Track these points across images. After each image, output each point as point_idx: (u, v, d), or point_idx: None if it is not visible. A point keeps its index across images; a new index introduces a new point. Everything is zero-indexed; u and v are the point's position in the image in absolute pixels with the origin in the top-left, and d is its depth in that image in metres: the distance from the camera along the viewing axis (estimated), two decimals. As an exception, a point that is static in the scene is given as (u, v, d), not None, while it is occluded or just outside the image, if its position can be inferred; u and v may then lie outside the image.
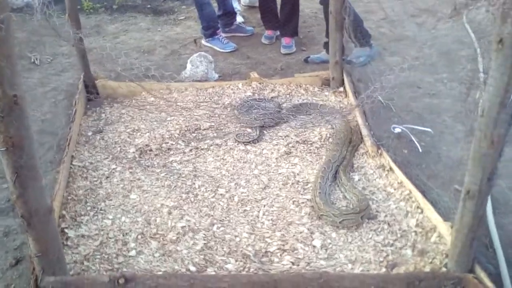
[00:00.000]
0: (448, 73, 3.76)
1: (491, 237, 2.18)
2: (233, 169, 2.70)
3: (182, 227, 2.26)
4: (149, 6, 5.62)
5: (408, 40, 4.36)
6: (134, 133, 3.05)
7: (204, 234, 2.22)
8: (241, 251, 2.13)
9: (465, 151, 2.66)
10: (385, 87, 2.32)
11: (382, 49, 4.18)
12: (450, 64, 3.90)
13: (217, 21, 4.28)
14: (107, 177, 2.67)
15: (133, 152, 2.86)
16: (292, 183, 2.55)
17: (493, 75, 1.47)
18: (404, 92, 3.54)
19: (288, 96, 3.43)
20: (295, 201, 2.42)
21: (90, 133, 3.08)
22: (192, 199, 2.47)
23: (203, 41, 4.38)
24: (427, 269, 1.98)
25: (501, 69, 1.44)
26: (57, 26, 2.95)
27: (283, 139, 2.95)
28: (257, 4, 4.96)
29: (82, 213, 2.37)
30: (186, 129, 3.06)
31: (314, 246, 2.14)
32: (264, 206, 2.40)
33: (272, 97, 3.40)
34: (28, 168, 1.61)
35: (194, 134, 3.03)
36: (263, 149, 2.85)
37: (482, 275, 1.87)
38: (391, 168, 2.56)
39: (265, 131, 3.05)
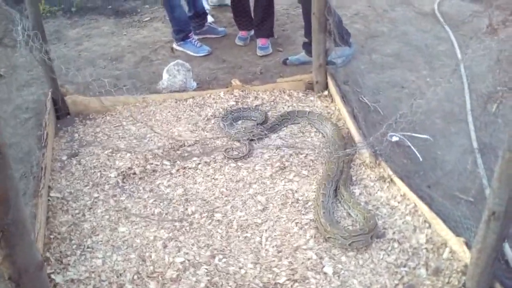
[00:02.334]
0: (429, 70, 3.71)
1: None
2: (226, 189, 2.53)
3: (181, 262, 2.09)
4: (110, 7, 5.30)
5: (384, 36, 4.29)
6: (114, 154, 2.83)
7: (206, 269, 2.06)
8: (249, 284, 1.99)
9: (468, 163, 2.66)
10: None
11: (360, 46, 4.09)
12: (429, 60, 3.85)
13: (189, 24, 4.06)
14: (90, 208, 2.45)
15: (115, 177, 2.64)
16: (292, 202, 2.41)
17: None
18: (389, 92, 3.47)
19: (272, 103, 3.28)
20: (298, 222, 2.29)
21: (64, 157, 2.83)
22: (188, 227, 2.29)
23: (175, 45, 4.15)
24: (446, 290, 1.91)
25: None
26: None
27: (275, 152, 2.80)
28: (226, 3, 4.79)
29: (68, 253, 2.16)
30: (170, 146, 2.86)
31: (326, 273, 2.02)
32: (266, 230, 2.26)
33: (256, 106, 3.24)
34: (16, 224, 1.40)
35: (179, 152, 2.84)
36: (255, 165, 2.70)
37: (503, 293, 1.82)
38: (391, 180, 2.47)
39: (254, 144, 2.89)
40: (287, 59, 3.89)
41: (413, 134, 2.64)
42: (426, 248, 2.11)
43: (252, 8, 4.11)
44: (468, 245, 1.99)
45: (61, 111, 3.16)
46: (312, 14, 3.11)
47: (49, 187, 2.58)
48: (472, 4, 4.90)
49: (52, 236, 2.24)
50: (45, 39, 2.97)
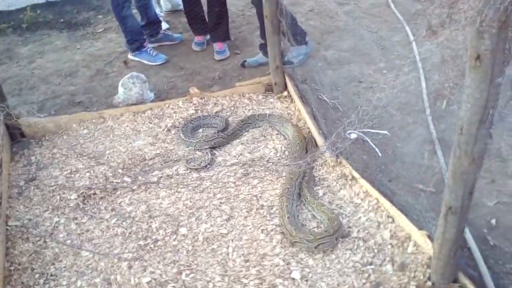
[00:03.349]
0: (385, 62, 3.75)
1: (464, 236, 2.17)
2: (190, 202, 2.50)
3: (148, 282, 2.05)
4: (62, 20, 5.17)
5: (339, 31, 4.31)
6: (72, 175, 2.76)
7: (174, 286, 2.03)
8: (218, 298, 1.97)
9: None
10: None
11: (316, 43, 4.10)
12: (385, 53, 3.90)
13: (142, 33, 3.99)
14: (51, 234, 2.38)
15: (75, 199, 2.58)
16: (257, 209, 2.40)
17: (470, 92, 1.40)
18: (347, 88, 3.49)
19: (233, 108, 3.26)
20: (263, 229, 2.28)
21: (22, 183, 2.75)
22: (152, 245, 2.25)
23: (130, 56, 4.08)
24: (412, 284, 1.93)
25: (480, 86, 1.37)
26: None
27: (237, 158, 2.78)
28: (180, 8, 4.72)
29: (31, 283, 2.10)
30: (130, 162, 2.81)
31: (294, 279, 2.01)
32: (232, 240, 2.24)
33: (216, 112, 3.21)
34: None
35: (139, 167, 2.79)
36: (218, 173, 2.67)
37: (467, 282, 1.85)
38: (353, 177, 2.49)
39: (216, 152, 2.87)
40: (245, 61, 3.87)
41: (371, 130, 2.66)
42: (391, 244, 2.13)
43: (206, 13, 4.08)
44: (431, 238, 2.01)
45: (16, 135, 3.06)
46: (264, 17, 3.10)
47: (6, 215, 2.50)
48: (423, -7, 4.99)
49: (12, 268, 2.17)
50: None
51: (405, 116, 3.11)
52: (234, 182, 2.59)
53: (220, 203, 2.47)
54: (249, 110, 3.25)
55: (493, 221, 2.30)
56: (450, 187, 1.61)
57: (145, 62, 4.01)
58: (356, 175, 2.48)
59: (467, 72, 1.38)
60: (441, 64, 1.57)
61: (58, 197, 2.61)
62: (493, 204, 2.40)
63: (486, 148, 1.49)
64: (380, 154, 2.62)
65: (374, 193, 2.36)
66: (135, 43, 3.95)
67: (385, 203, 2.29)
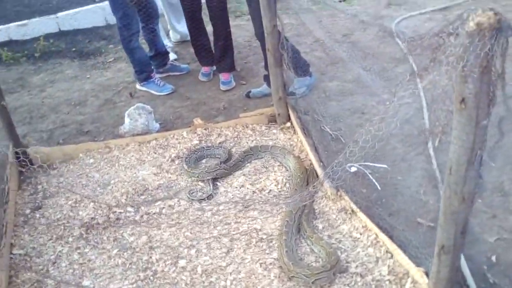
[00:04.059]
0: (388, 94, 3.79)
1: (463, 273, 2.17)
2: (191, 233, 2.53)
3: (146, 314, 2.07)
4: (74, 49, 5.32)
5: (343, 62, 4.37)
6: (77, 205, 2.81)
7: (171, 319, 2.04)
8: (214, 332, 1.98)
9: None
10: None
11: (320, 74, 4.17)
12: (388, 84, 3.94)
13: (150, 64, 4.10)
14: (54, 263, 2.42)
15: (79, 228, 2.62)
16: (256, 242, 2.42)
17: (458, 135, 1.43)
18: (350, 119, 3.53)
19: (236, 139, 3.31)
20: (262, 263, 2.29)
21: (28, 211, 2.80)
22: (151, 277, 2.28)
23: (138, 86, 4.18)
24: (409, 322, 1.93)
25: (466, 128, 1.40)
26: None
27: (238, 190, 2.82)
28: (188, 39, 4.83)
29: (31, 314, 2.13)
30: (133, 192, 2.86)
31: (290, 314, 2.02)
32: (231, 273, 2.25)
33: (220, 143, 3.26)
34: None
35: (143, 197, 2.83)
36: (219, 205, 2.70)
37: (464, 320, 1.85)
38: (353, 211, 2.50)
39: (218, 183, 2.91)
40: (250, 92, 3.95)
41: (370, 164, 2.69)
42: (388, 280, 2.13)
43: (212, 44, 4.18)
44: (428, 274, 2.01)
45: (24, 163, 3.13)
46: (266, 50, 3.17)
47: (11, 244, 2.54)
48: (427, 23, 5.07)
49: (14, 298, 2.21)
50: (2, 95, 2.94)
51: (407, 148, 3.13)
52: (235, 214, 2.62)
53: (220, 235, 2.50)
54: (252, 141, 3.30)
55: (494, 258, 2.29)
56: (442, 226, 1.63)
57: (153, 92, 4.10)
58: (356, 209, 2.49)
59: (454, 114, 1.41)
60: (432, 103, 1.62)
61: (62, 226, 2.66)
62: (494, 240, 2.39)
63: (476, 187, 1.51)
64: (379, 188, 2.65)
65: (374, 227, 2.36)
66: (143, 73, 4.05)
67: (384, 238, 2.29)
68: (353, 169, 2.74)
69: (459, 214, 1.57)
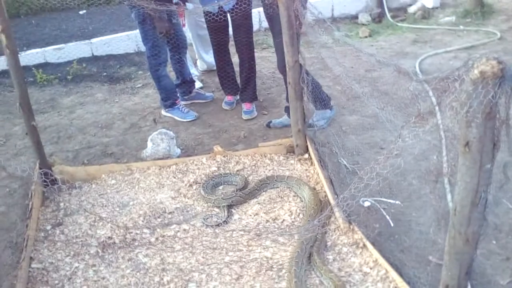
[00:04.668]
0: (408, 129, 3.81)
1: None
2: (203, 257, 2.58)
3: (153, 335, 2.11)
4: (105, 73, 5.54)
5: (365, 97, 4.43)
6: (96, 223, 2.90)
7: None
8: None
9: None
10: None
11: (341, 107, 4.23)
12: (408, 120, 3.96)
13: (175, 92, 4.24)
14: (69, 278, 2.50)
15: (96, 246, 2.70)
16: (266, 270, 2.45)
17: (462, 177, 1.46)
18: (368, 154, 3.56)
19: (253, 167, 3.38)
20: (270, 291, 2.32)
21: (49, 227, 2.91)
22: (162, 299, 2.33)
23: (163, 112, 4.32)
24: None
25: (470, 171, 1.43)
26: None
27: (252, 218, 2.87)
28: (214, 68, 4.98)
29: (44, 327, 2.20)
30: (150, 214, 2.94)
31: None
32: (239, 300, 2.29)
33: (238, 170, 3.33)
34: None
35: (159, 219, 2.91)
36: (233, 232, 2.75)
37: None
38: (364, 245, 2.51)
39: (233, 210, 2.96)
40: (271, 122, 4.03)
41: (384, 199, 2.71)
42: (396, 316, 2.13)
43: (238, 73, 4.32)
44: (435, 313, 2.01)
45: (49, 181, 3.26)
46: (287, 83, 3.27)
47: (31, 257, 2.64)
48: (452, 61, 5.10)
49: (29, 310, 2.28)
50: (31, 111, 3.10)
51: (424, 185, 3.13)
52: (247, 242, 2.66)
53: (231, 260, 2.54)
54: (269, 170, 3.36)
55: (505, 301, 2.27)
56: (446, 266, 1.64)
57: (177, 118, 4.23)
58: (367, 243, 2.50)
59: (459, 157, 1.45)
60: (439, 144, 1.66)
61: (80, 243, 2.75)
62: (506, 283, 2.36)
63: (480, 229, 1.53)
64: (392, 224, 2.66)
65: (384, 263, 2.37)
66: (169, 100, 4.19)
67: (393, 274, 2.30)
68: (367, 204, 2.77)
69: (464, 254, 1.59)
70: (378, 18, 6.70)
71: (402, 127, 1.78)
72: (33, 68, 5.40)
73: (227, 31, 4.19)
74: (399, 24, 6.46)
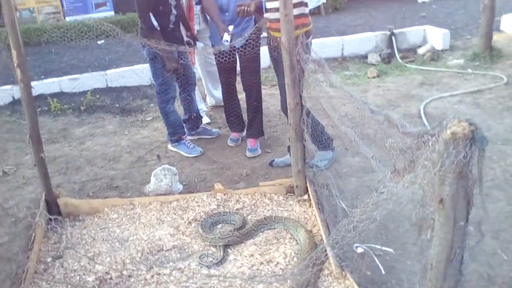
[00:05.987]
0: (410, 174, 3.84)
1: None
2: (196, 298, 2.62)
3: None
4: (117, 105, 5.71)
5: (369, 139, 4.47)
6: (95, 258, 2.96)
7: None
8: None
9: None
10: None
11: (344, 149, 4.28)
12: (410, 164, 3.99)
13: (183, 127, 4.36)
14: (64, 313, 2.56)
15: (93, 281, 2.76)
16: (256, 314, 2.48)
17: (437, 233, 1.50)
18: (367, 197, 3.54)
19: (253, 207, 3.43)
20: (259, 336, 2.34)
21: (49, 259, 2.98)
22: (152, 338, 2.36)
23: (169, 146, 4.43)
24: None
25: (444, 228, 1.48)
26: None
27: (247, 259, 2.90)
28: (223, 104, 5.12)
29: None
30: (148, 250, 2.99)
31: None
32: None
33: (237, 209, 3.39)
34: None
35: (156, 256, 2.96)
36: (227, 273, 2.79)
37: None
38: (355, 292, 2.53)
39: (229, 250, 3.01)
40: (273, 161, 4.10)
41: (377, 246, 2.73)
42: None
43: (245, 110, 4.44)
44: None
45: (53, 212, 3.35)
46: (288, 125, 3.35)
47: (28, 291, 2.71)
48: (457, 105, 5.14)
49: None
50: (41, 144, 3.22)
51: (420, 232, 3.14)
52: (240, 284, 2.69)
53: (223, 303, 2.57)
54: (268, 210, 3.41)
55: None
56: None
57: (182, 153, 4.33)
58: (358, 290, 2.52)
59: (434, 213, 1.50)
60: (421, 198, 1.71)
61: (78, 277, 2.81)
62: (497, 338, 2.35)
63: (456, 286, 1.55)
64: (383, 272, 2.67)
65: (373, 312, 2.39)
66: (175, 135, 4.31)
67: (382, 323, 2.31)
68: (360, 250, 2.79)
69: (441, 311, 1.61)
70: (388, 58, 6.81)
71: (378, 181, 1.83)
72: (48, 97, 5.59)
73: (235, 70, 4.32)
74: (407, 65, 6.55)
